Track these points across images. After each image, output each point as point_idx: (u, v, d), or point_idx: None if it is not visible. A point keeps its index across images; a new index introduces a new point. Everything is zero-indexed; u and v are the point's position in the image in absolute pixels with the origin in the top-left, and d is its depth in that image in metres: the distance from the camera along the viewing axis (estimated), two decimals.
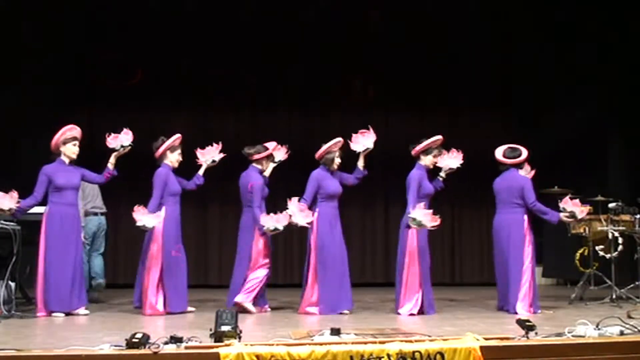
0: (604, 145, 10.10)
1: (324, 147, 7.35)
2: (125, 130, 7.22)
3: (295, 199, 7.11)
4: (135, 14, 10.21)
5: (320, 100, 10.55)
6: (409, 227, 7.01)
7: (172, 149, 7.25)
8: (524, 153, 7.24)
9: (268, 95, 10.54)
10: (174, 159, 7.27)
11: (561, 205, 7.05)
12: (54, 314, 6.64)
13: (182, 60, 10.34)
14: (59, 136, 7.00)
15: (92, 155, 10.12)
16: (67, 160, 7.03)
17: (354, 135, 7.46)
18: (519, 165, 7.25)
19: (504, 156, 7.28)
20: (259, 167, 7.44)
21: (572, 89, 10.37)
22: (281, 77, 10.52)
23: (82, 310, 6.82)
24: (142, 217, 6.82)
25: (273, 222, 6.97)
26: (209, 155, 7.49)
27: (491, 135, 10.81)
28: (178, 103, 10.36)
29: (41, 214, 7.02)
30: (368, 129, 7.50)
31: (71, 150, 7.04)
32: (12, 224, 6.84)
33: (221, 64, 10.35)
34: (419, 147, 7.39)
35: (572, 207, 6.96)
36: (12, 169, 9.63)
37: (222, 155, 7.54)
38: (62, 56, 10.12)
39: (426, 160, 7.40)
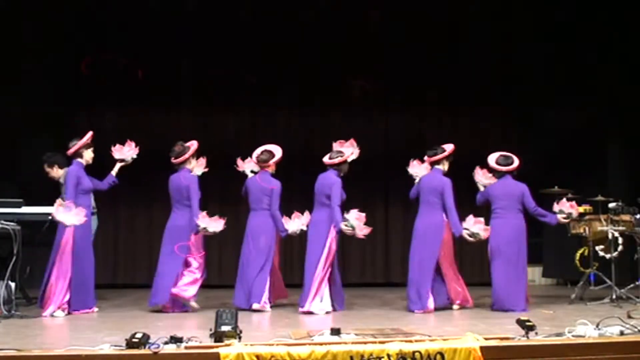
0: (604, 145, 10.10)
1: (344, 157, 7.53)
2: (128, 142, 7.64)
3: (355, 211, 7.24)
4: (135, 14, 10.20)
5: (320, 100, 10.54)
6: (460, 236, 7.42)
7: (194, 155, 7.50)
8: (516, 161, 7.46)
9: (268, 95, 10.53)
10: (194, 164, 7.53)
11: (557, 207, 7.36)
12: (54, 314, 6.69)
13: (182, 60, 10.33)
14: (84, 141, 7.27)
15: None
16: (84, 164, 7.31)
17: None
18: (512, 172, 7.45)
19: (497, 163, 7.49)
20: (270, 171, 7.67)
21: (572, 89, 10.36)
22: (281, 77, 10.51)
23: (96, 308, 7.20)
24: (207, 222, 7.14)
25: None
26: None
27: (491, 135, 10.82)
28: (178, 103, 10.35)
29: (41, 214, 7.05)
30: (347, 139, 7.86)
31: (90, 156, 7.35)
32: (12, 224, 6.84)
33: (221, 64, 10.34)
34: (446, 153, 7.54)
35: (569, 208, 7.30)
36: (12, 169, 9.64)
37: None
38: (62, 56, 10.12)
39: (446, 166, 7.60)
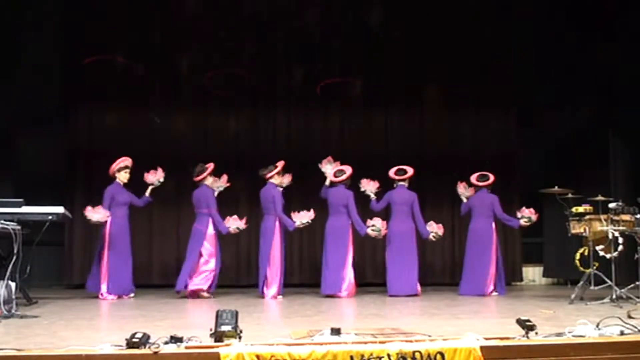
0: (605, 145, 10.10)
1: (348, 174, 8.83)
2: (159, 169, 8.89)
3: (378, 219, 8.83)
4: (136, 14, 10.21)
5: (320, 100, 10.54)
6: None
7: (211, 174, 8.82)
8: (491, 177, 9.08)
9: (268, 95, 10.54)
10: (211, 181, 8.84)
11: (520, 214, 8.93)
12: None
13: (182, 60, 10.33)
14: (114, 165, 8.68)
15: (91, 154, 10.18)
16: (121, 184, 8.77)
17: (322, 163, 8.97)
18: (488, 187, 9.05)
19: (477, 180, 9.10)
20: (275, 182, 8.71)
21: (573, 89, 10.36)
22: (281, 77, 10.52)
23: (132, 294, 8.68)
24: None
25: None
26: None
27: (491, 135, 10.84)
28: (178, 103, 10.36)
29: (41, 213, 7.06)
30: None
31: (124, 177, 8.75)
32: (12, 223, 6.83)
33: (221, 64, 10.35)
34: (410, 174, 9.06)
35: (529, 214, 8.87)
36: (11, 169, 9.65)
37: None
38: (62, 56, 10.12)
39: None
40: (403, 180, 9.00)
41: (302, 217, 8.61)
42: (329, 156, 9.05)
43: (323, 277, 8.69)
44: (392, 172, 9.08)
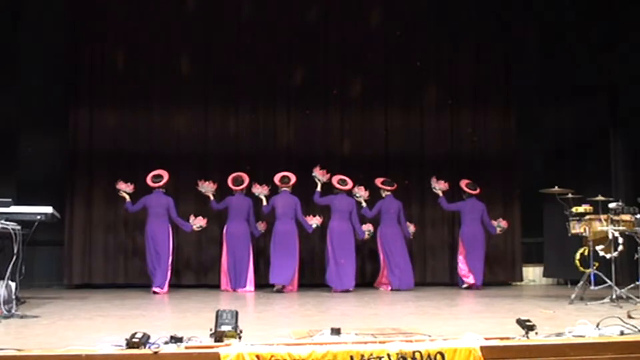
0: (605, 145, 10.09)
1: (351, 184, 9.59)
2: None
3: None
4: (136, 14, 10.21)
5: (320, 100, 10.54)
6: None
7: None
8: (477, 188, 9.93)
9: (268, 95, 10.53)
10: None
11: (495, 223, 9.99)
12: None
13: (182, 60, 10.34)
14: (167, 179, 9.31)
15: (91, 154, 10.17)
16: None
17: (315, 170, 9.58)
18: (477, 195, 9.90)
19: (468, 188, 9.87)
20: (289, 190, 9.45)
21: (573, 89, 10.36)
22: (281, 77, 10.52)
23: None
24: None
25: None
26: (207, 188, 9.61)
27: (491, 135, 10.83)
28: (178, 103, 10.35)
29: (30, 213, 7.02)
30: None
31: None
32: (12, 223, 6.80)
33: (221, 64, 10.35)
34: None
35: (504, 225, 10.05)
36: (12, 168, 9.64)
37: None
38: (62, 56, 10.12)
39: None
40: (390, 190, 9.77)
41: (314, 221, 9.53)
42: (317, 165, 9.60)
43: (337, 276, 9.30)
44: (379, 182, 9.85)
